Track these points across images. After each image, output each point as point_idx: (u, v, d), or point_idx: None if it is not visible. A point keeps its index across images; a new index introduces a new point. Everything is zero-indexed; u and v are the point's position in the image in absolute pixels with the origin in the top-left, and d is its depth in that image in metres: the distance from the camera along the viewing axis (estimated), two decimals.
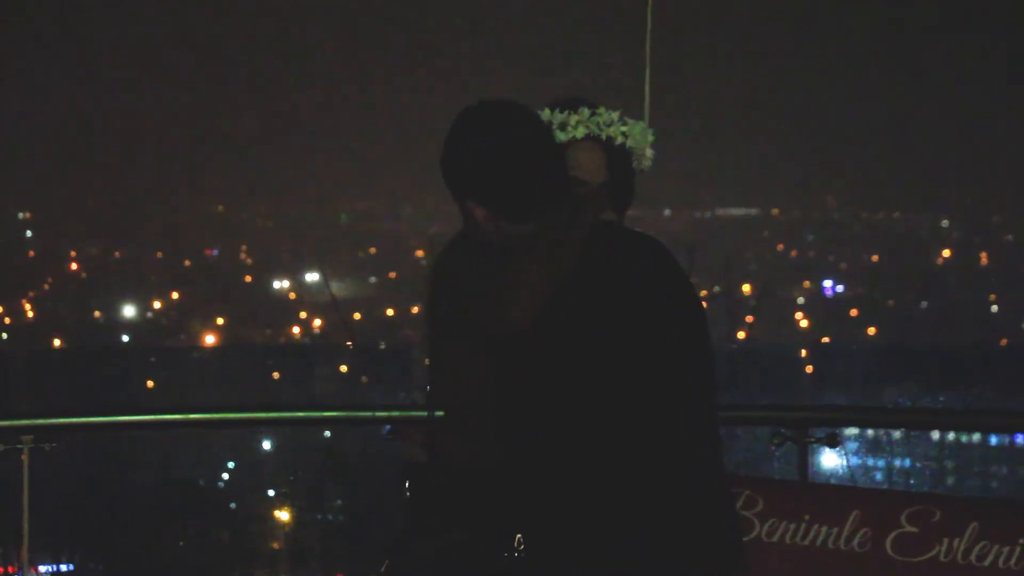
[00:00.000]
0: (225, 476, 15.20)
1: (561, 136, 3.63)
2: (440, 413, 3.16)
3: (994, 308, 62.30)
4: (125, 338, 56.37)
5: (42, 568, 9.76)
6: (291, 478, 12.69)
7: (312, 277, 64.42)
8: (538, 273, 3.04)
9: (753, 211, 76.68)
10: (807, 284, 65.23)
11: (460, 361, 3.12)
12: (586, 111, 3.71)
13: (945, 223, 73.52)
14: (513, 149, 3.13)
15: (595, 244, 3.11)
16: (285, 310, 60.15)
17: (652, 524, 2.99)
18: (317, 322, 57.70)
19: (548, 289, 3.03)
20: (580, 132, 3.68)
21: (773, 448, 5.64)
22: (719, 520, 3.08)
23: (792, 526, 5.03)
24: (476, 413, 3.09)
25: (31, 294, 61.23)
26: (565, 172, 3.23)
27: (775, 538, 5.03)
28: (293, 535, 12.33)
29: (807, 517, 5.02)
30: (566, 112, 3.70)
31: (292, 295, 63.40)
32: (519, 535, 2.99)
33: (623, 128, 3.74)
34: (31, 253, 67.78)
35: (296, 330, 57.84)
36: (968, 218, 73.67)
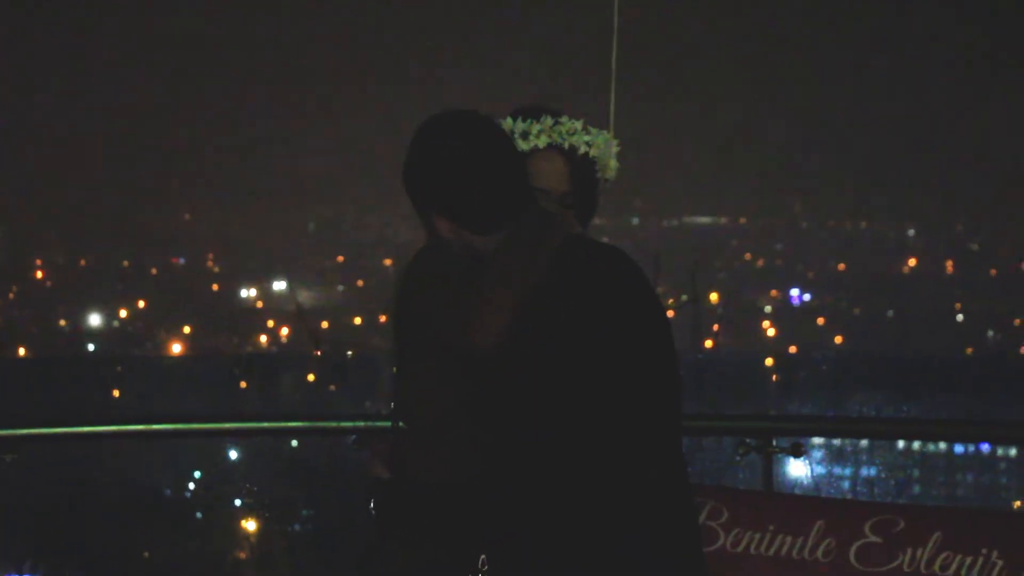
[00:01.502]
0: (191, 486, 15.15)
1: (523, 145, 3.61)
2: (404, 425, 3.14)
3: (960, 317, 62.65)
4: (91, 347, 56.19)
5: None
6: (255, 488, 12.65)
7: (279, 286, 64.35)
8: (504, 296, 3.03)
9: (721, 220, 76.95)
10: (774, 293, 65.50)
11: (430, 375, 3.11)
12: (548, 120, 3.69)
13: (911, 232, 73.93)
14: (475, 159, 3.12)
15: (564, 257, 3.11)
16: (252, 319, 60.06)
17: (620, 533, 3.00)
18: (284, 331, 57.66)
19: (515, 310, 3.02)
20: (542, 141, 3.67)
21: (738, 458, 5.65)
22: (683, 529, 3.10)
23: (757, 536, 5.04)
24: (447, 427, 3.08)
25: None
26: (528, 183, 3.22)
27: (740, 548, 5.04)
28: (259, 545, 12.30)
29: (772, 527, 5.04)
30: (528, 121, 3.68)
31: (259, 304, 63.30)
32: (489, 551, 2.99)
33: (586, 138, 3.72)
34: None
35: (263, 339, 57.78)
36: (934, 227, 74.10)
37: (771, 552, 5.01)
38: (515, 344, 3.01)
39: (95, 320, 60.04)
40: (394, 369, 3.21)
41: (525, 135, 3.65)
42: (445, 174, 3.14)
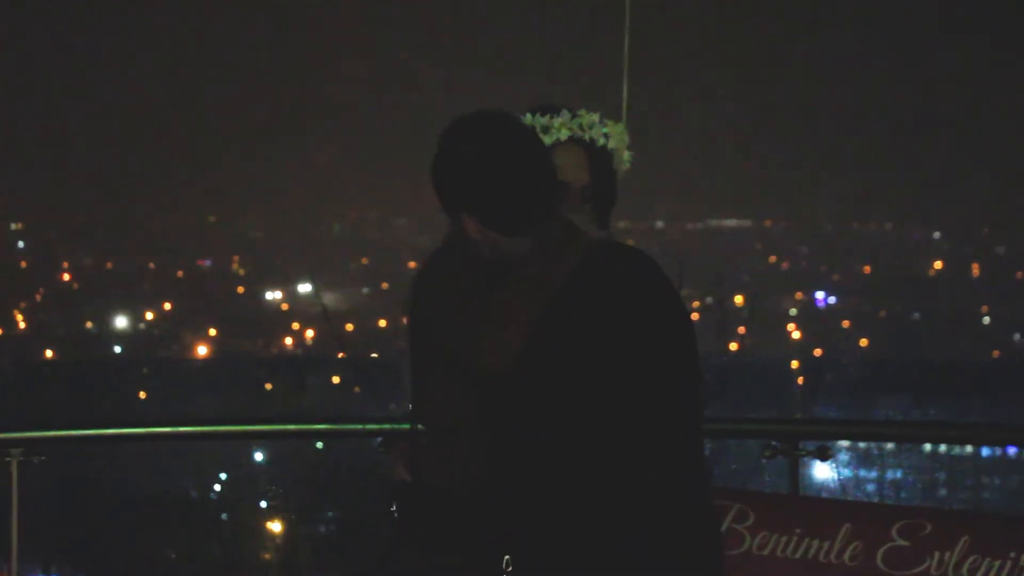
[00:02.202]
0: (217, 487, 15.19)
1: (545, 139, 3.63)
2: (422, 428, 3.14)
3: (986, 320, 62.44)
4: (117, 349, 56.37)
5: None
6: (280, 491, 12.68)
7: (304, 288, 64.48)
8: (520, 320, 3.01)
9: (746, 222, 76.84)
10: (799, 295, 65.36)
11: (442, 379, 3.10)
12: (568, 114, 3.72)
13: (937, 235, 73.70)
14: (501, 161, 3.11)
15: (584, 264, 3.10)
16: (277, 321, 60.21)
17: (636, 539, 3.00)
18: (309, 333, 57.79)
19: (530, 326, 3.01)
20: (564, 134, 3.69)
21: (764, 461, 5.64)
22: (686, 529, 3.08)
23: (783, 539, 5.03)
24: (459, 431, 3.07)
25: (23, 304, 61.19)
26: (558, 184, 3.22)
27: (766, 551, 5.03)
28: (284, 546, 12.32)
29: (798, 530, 5.03)
30: (548, 116, 3.71)
31: (284, 306, 63.44)
32: (507, 555, 2.99)
33: (604, 130, 3.75)
34: (23, 263, 67.75)
35: (288, 341, 57.92)
36: (959, 230, 73.87)
37: (798, 555, 5.00)
38: (529, 351, 3.02)
39: (121, 322, 60.25)
40: (411, 372, 3.21)
41: (547, 129, 3.68)
42: (471, 176, 3.13)
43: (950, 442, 14.23)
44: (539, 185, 3.15)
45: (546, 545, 2.97)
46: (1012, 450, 14.98)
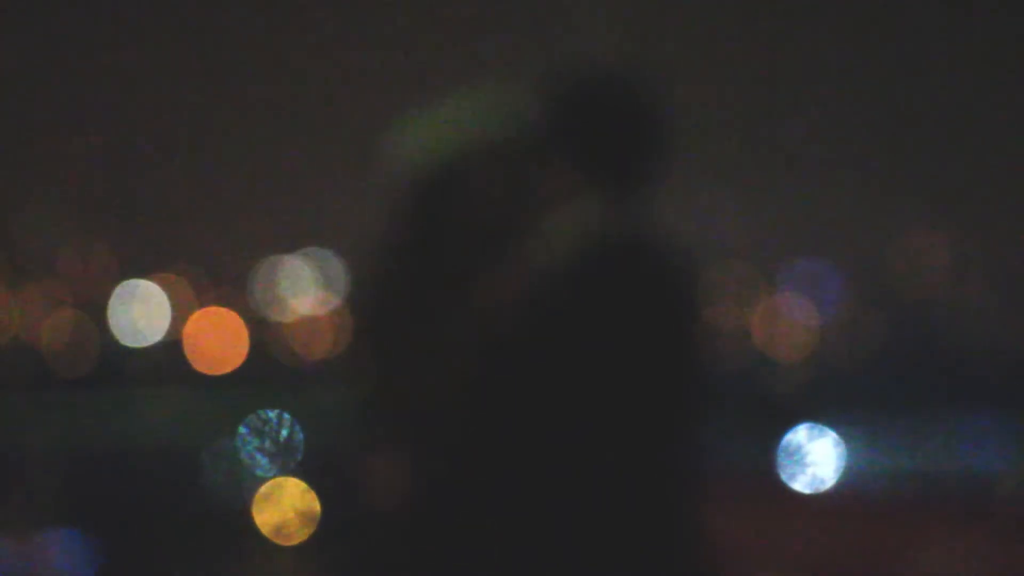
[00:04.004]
0: (215, 461, 15.21)
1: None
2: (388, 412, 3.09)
3: (972, 306, 62.26)
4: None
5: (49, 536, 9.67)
6: (274, 470, 12.75)
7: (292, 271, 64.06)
8: (451, 364, 2.94)
9: (730, 200, 76.27)
10: (790, 269, 64.95)
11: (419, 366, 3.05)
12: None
13: (916, 216, 73.23)
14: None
15: (606, 244, 2.97)
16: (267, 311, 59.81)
17: (620, 539, 2.97)
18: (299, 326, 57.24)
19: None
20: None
21: (750, 446, 5.71)
22: (685, 540, 3.03)
23: (770, 524, 5.11)
24: (429, 419, 3.03)
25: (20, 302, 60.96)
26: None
27: (751, 536, 5.12)
28: (285, 523, 12.39)
29: (784, 515, 5.10)
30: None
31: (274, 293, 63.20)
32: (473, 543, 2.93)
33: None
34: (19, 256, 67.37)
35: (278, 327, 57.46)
36: (945, 216, 73.59)
37: (780, 543, 5.08)
38: (533, 332, 2.95)
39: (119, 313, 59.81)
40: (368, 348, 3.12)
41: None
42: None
43: (936, 422, 14.29)
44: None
45: (523, 535, 2.92)
46: (996, 445, 14.87)
